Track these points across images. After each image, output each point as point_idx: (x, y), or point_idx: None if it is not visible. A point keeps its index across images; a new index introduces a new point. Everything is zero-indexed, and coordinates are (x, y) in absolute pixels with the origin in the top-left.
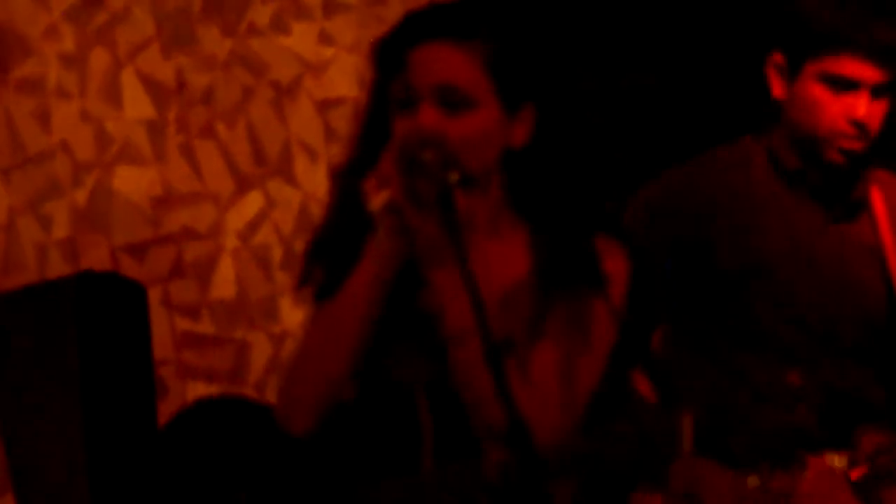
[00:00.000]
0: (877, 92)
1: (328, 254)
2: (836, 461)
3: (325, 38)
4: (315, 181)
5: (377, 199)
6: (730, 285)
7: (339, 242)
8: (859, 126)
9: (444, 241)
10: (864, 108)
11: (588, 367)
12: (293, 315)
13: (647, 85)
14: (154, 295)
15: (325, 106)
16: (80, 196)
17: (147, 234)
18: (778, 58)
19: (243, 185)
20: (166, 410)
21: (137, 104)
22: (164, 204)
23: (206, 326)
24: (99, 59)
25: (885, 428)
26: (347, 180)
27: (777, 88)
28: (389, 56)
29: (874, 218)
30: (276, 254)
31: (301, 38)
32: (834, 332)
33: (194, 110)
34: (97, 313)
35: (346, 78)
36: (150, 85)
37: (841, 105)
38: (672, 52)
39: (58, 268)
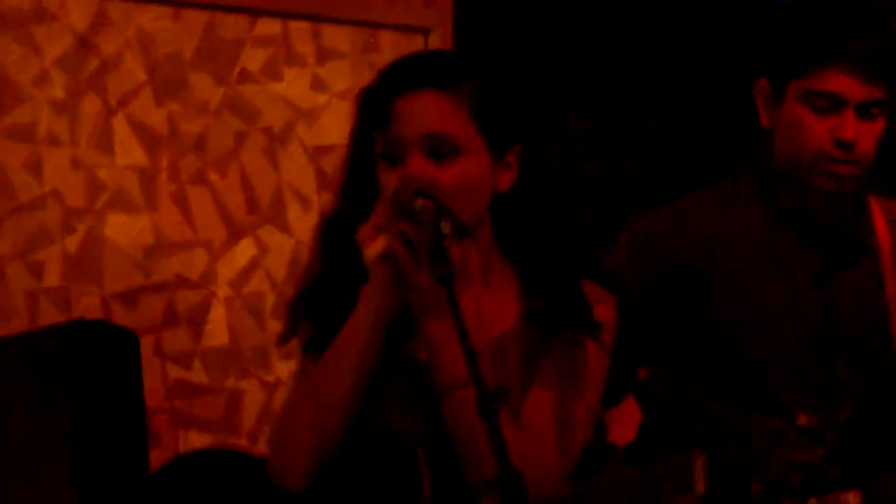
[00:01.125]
0: (863, 110)
1: (317, 306)
2: (851, 500)
3: (317, 85)
4: (308, 228)
5: (371, 250)
6: (721, 331)
7: (329, 295)
8: (847, 147)
9: (436, 290)
10: (851, 126)
11: (581, 413)
12: (286, 363)
13: (645, 130)
14: (146, 343)
15: (317, 153)
16: (72, 244)
17: (139, 281)
18: (763, 84)
19: (235, 232)
20: (159, 460)
21: (129, 151)
22: (155, 252)
23: (198, 375)
24: (90, 106)
25: None
26: (332, 231)
27: (764, 117)
28: (374, 107)
29: (878, 262)
30: (269, 301)
31: (293, 85)
32: (830, 385)
33: (186, 157)
34: (89, 362)
35: (338, 125)
36: (142, 132)
37: (826, 125)
38: (670, 98)
39: (49, 316)
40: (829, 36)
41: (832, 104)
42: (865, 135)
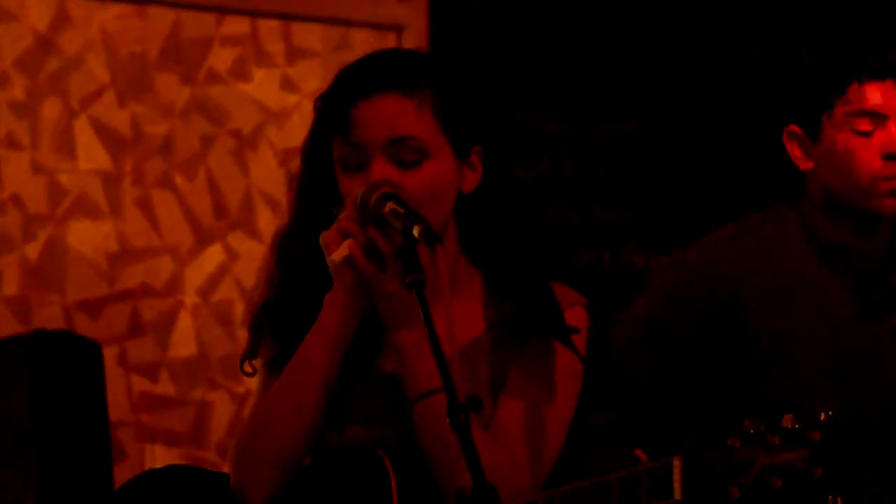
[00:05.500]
0: None
1: (277, 317)
2: None
3: (287, 85)
4: None
5: (336, 254)
6: (751, 374)
7: (289, 305)
8: None
9: (405, 297)
10: None
11: (553, 422)
12: (255, 374)
13: (628, 131)
14: (110, 354)
15: (287, 155)
16: (32, 251)
17: (102, 290)
18: (793, 129)
19: (203, 238)
20: (124, 475)
21: (91, 155)
22: (120, 259)
23: (164, 387)
24: (51, 108)
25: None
26: (291, 242)
27: (802, 161)
28: (333, 112)
29: None
30: (238, 310)
31: (263, 86)
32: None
33: (151, 161)
34: (50, 374)
35: (309, 126)
36: (105, 135)
37: (873, 145)
38: (654, 98)
39: (8, 326)
40: (848, 54)
41: (874, 122)
42: None
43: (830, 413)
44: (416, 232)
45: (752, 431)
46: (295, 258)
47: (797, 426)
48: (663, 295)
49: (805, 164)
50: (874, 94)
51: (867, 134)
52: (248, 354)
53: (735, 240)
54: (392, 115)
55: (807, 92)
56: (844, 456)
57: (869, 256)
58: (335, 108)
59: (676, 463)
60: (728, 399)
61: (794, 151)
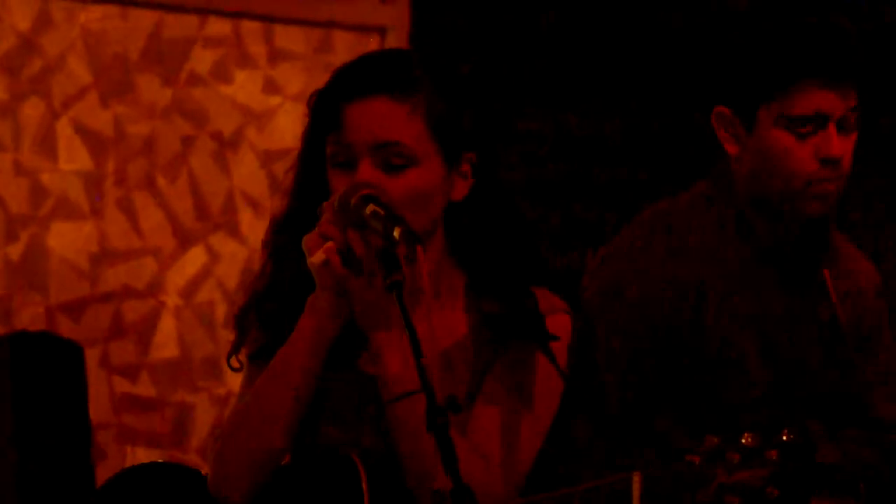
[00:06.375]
0: (844, 122)
1: (267, 314)
2: None
3: (269, 87)
4: (260, 235)
5: (316, 257)
6: (701, 375)
7: (279, 301)
8: (833, 164)
9: (385, 299)
10: (836, 143)
11: (531, 426)
12: (238, 375)
13: (609, 131)
14: (92, 356)
15: (269, 157)
16: (14, 252)
17: (84, 291)
18: (724, 112)
19: (185, 239)
20: (105, 476)
21: (74, 156)
22: (101, 260)
23: (146, 388)
24: (33, 109)
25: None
26: (282, 236)
27: (730, 146)
28: (325, 110)
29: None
30: (220, 311)
31: (244, 87)
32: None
33: (133, 162)
34: (32, 376)
35: (291, 128)
36: (87, 136)
37: (810, 147)
38: (635, 97)
39: None
40: (799, 52)
41: (813, 123)
42: (847, 147)
43: (790, 433)
44: (396, 233)
45: (711, 448)
46: (286, 252)
47: (756, 444)
48: (636, 311)
49: (732, 149)
50: (818, 97)
51: (805, 136)
52: (236, 347)
53: (674, 251)
54: (382, 118)
55: (749, 80)
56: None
57: (800, 258)
58: (328, 106)
59: (636, 478)
60: (686, 406)
61: (722, 132)
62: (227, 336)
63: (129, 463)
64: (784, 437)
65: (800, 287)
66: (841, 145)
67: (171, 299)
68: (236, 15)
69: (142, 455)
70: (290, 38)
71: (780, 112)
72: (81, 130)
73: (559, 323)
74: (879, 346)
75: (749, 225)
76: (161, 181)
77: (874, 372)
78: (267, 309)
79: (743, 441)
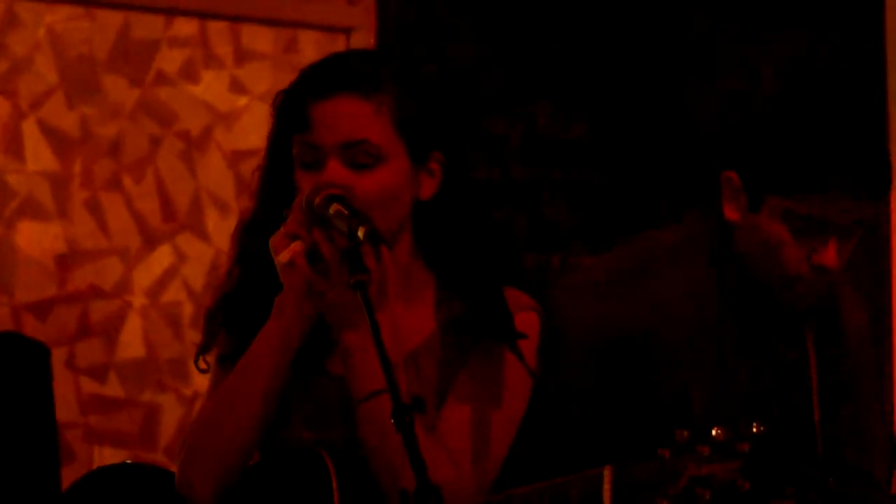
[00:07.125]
0: (847, 231)
1: (234, 315)
2: None
3: (236, 87)
4: (227, 236)
5: (282, 257)
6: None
7: (246, 302)
8: (826, 272)
9: (351, 299)
10: (834, 254)
11: (500, 425)
12: (205, 376)
13: (578, 133)
14: (58, 356)
15: (236, 157)
16: None
17: (51, 292)
18: (734, 179)
19: (151, 240)
20: (72, 476)
21: (40, 156)
22: (68, 260)
23: (113, 388)
24: None
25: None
26: (249, 237)
27: (730, 211)
28: (292, 110)
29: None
30: (187, 311)
31: (211, 87)
32: None
33: (100, 163)
34: None
35: (258, 128)
36: (54, 136)
37: (806, 248)
38: (604, 102)
39: None
40: (825, 159)
41: (816, 227)
42: (843, 255)
43: (760, 426)
44: (360, 233)
45: (681, 441)
46: (253, 253)
47: (727, 437)
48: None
49: (732, 215)
50: (836, 206)
51: (803, 233)
52: (203, 349)
53: (656, 287)
54: (348, 117)
55: (774, 166)
56: (772, 470)
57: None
58: (294, 105)
59: (607, 473)
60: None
61: (726, 194)
62: (193, 336)
63: (96, 463)
64: (755, 430)
65: (773, 336)
66: (838, 256)
67: (138, 299)
68: (203, 15)
69: (109, 455)
70: (256, 38)
71: (788, 207)
72: (48, 131)
73: (528, 321)
74: (854, 395)
75: (740, 304)
76: (127, 181)
77: (845, 418)
78: (234, 310)
79: (713, 434)
